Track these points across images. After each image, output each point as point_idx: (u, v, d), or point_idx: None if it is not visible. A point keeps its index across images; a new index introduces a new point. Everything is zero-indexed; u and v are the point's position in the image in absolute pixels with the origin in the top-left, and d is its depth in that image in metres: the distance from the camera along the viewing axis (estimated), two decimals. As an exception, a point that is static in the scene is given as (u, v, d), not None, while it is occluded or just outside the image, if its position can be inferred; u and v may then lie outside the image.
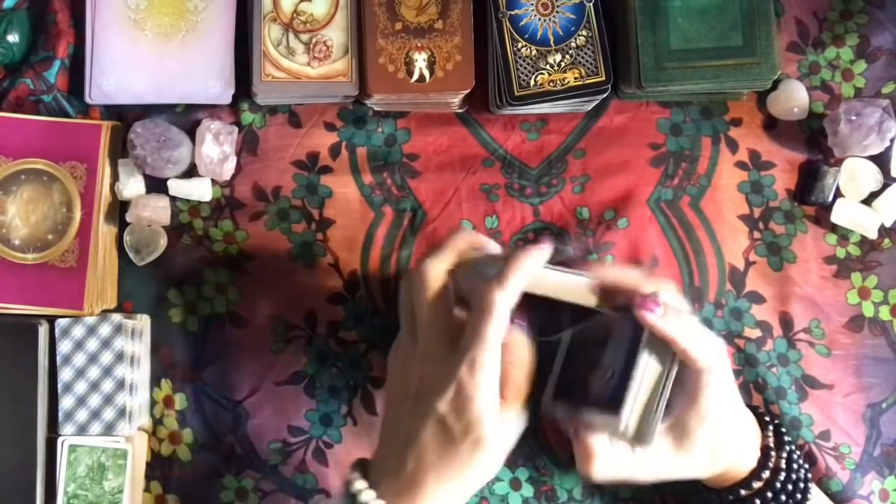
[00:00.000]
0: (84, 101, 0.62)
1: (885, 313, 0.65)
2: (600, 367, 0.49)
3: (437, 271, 0.50)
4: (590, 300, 0.49)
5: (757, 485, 0.54)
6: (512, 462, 0.63)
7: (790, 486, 0.54)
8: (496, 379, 0.48)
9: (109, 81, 0.62)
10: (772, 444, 0.55)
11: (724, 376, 0.50)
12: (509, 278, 0.47)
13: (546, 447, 0.63)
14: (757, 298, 0.64)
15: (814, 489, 0.56)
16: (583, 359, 0.50)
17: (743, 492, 0.54)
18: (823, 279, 0.65)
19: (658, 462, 0.51)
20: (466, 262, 0.50)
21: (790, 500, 0.54)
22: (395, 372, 0.53)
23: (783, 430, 0.57)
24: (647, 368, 0.47)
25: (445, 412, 0.48)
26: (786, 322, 0.64)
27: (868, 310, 0.65)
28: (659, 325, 0.47)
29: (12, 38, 0.64)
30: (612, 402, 0.47)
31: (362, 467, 0.51)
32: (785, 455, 0.55)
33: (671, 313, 0.47)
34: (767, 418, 0.57)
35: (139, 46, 0.62)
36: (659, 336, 0.47)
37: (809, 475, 0.56)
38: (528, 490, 0.63)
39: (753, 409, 0.58)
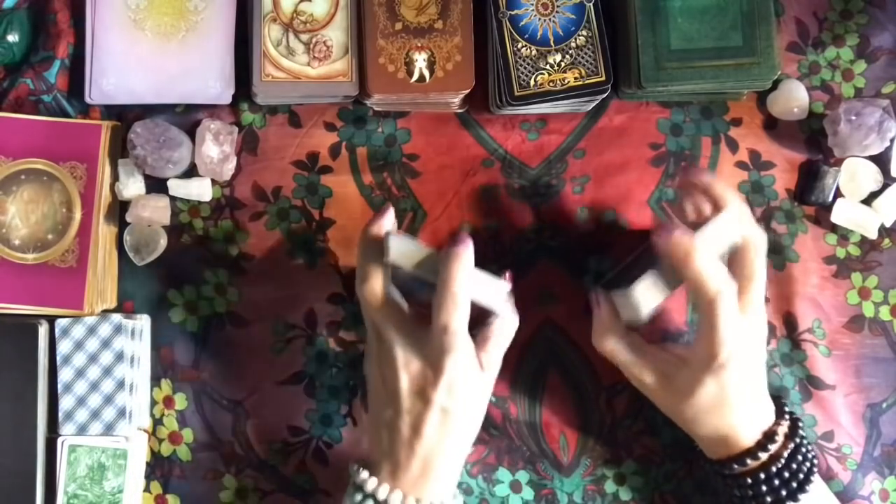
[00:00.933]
0: (84, 101, 0.62)
1: (885, 313, 0.65)
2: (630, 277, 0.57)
3: (374, 288, 0.53)
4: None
5: (752, 462, 0.55)
6: (512, 465, 0.63)
7: (787, 475, 0.55)
8: (473, 352, 0.53)
9: (109, 81, 0.62)
10: (780, 432, 0.55)
11: (732, 328, 0.53)
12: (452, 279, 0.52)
13: (547, 450, 0.63)
14: (758, 298, 0.64)
15: (816, 485, 0.56)
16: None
17: (736, 466, 0.55)
18: (823, 279, 0.65)
19: (661, 358, 0.57)
20: (399, 268, 0.54)
21: (783, 489, 0.54)
22: (374, 376, 0.55)
23: (801, 425, 0.57)
24: (655, 277, 0.55)
25: (444, 401, 0.52)
26: (790, 322, 0.64)
27: (868, 310, 0.65)
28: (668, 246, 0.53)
29: (12, 38, 0.64)
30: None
31: (366, 465, 0.54)
32: (792, 446, 0.55)
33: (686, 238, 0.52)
34: (788, 409, 0.58)
35: (139, 46, 0.62)
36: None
37: (815, 472, 0.56)
38: (528, 493, 0.63)
39: (777, 399, 0.58)
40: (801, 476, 0.55)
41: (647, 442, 0.63)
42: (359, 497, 0.53)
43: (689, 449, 0.60)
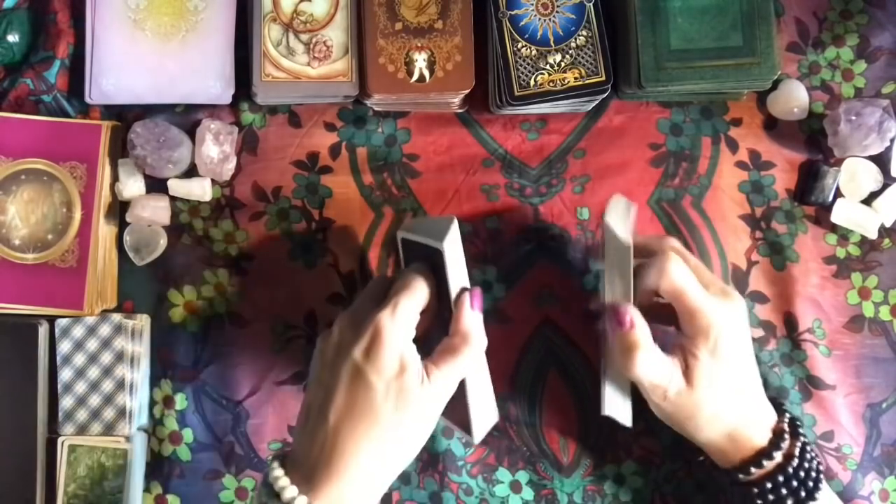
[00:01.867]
0: (84, 101, 0.62)
1: (885, 313, 0.65)
2: None
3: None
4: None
5: (768, 464, 0.54)
6: (512, 465, 0.63)
7: (802, 474, 0.54)
8: (411, 330, 0.50)
9: (109, 81, 0.62)
10: (787, 429, 0.55)
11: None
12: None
13: (547, 450, 0.63)
14: (760, 298, 0.64)
15: (824, 486, 0.56)
16: None
17: (754, 469, 0.54)
18: (824, 279, 0.65)
19: (676, 404, 0.55)
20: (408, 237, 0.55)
21: (801, 489, 0.54)
22: (313, 368, 0.53)
23: (798, 423, 0.57)
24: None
25: (359, 358, 0.48)
26: (790, 322, 0.64)
27: (868, 310, 0.65)
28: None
29: (12, 38, 0.64)
30: None
31: (283, 457, 0.50)
32: (799, 444, 0.55)
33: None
34: (785, 407, 0.58)
35: (139, 46, 0.62)
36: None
37: (822, 469, 0.56)
38: (528, 493, 0.63)
39: (772, 399, 0.58)
40: (814, 474, 0.54)
41: (647, 442, 0.63)
42: (264, 493, 0.49)
43: (689, 450, 0.60)
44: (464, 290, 0.53)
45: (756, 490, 0.54)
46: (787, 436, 0.55)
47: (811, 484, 0.54)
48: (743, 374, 0.56)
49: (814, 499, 0.54)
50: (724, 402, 0.54)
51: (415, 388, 0.49)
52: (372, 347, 0.49)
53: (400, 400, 0.48)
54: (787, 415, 0.57)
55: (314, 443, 0.49)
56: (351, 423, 0.48)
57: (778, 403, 0.58)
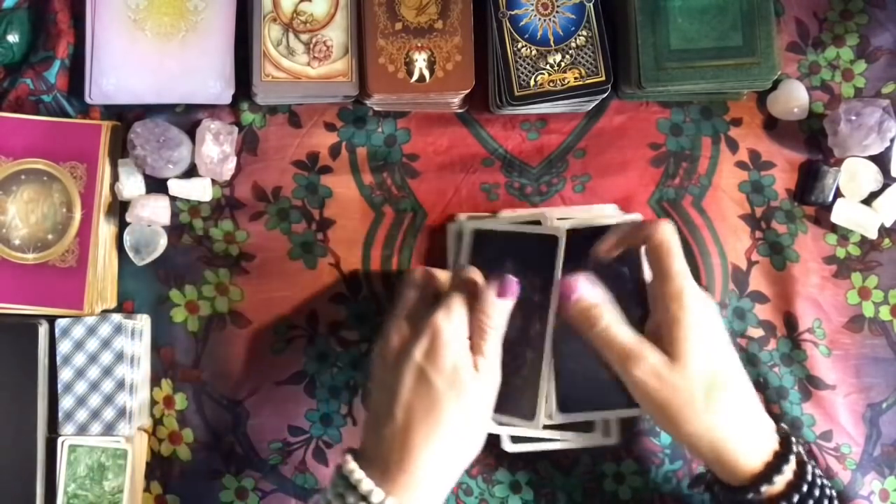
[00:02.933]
0: (84, 101, 0.62)
1: (885, 313, 0.65)
2: None
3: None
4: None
5: (779, 480, 0.51)
6: (512, 465, 0.63)
7: (817, 492, 0.52)
8: (466, 328, 0.52)
9: (109, 81, 0.62)
10: (791, 459, 0.52)
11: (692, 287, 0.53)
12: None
13: (546, 451, 0.63)
14: (760, 298, 0.64)
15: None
16: None
17: (764, 488, 0.51)
18: (824, 279, 0.65)
19: (662, 379, 0.52)
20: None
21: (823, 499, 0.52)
22: (375, 373, 0.55)
23: (793, 439, 0.54)
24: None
25: (421, 360, 0.51)
26: (790, 322, 0.64)
27: (868, 310, 0.65)
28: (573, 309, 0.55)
29: (12, 38, 0.64)
30: None
31: (355, 453, 0.52)
32: (809, 477, 0.52)
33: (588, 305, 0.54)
34: (791, 440, 0.54)
35: (139, 46, 0.62)
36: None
37: (832, 489, 0.54)
38: (528, 493, 0.63)
39: (779, 427, 0.55)
40: (829, 491, 0.52)
41: (647, 442, 0.63)
42: (341, 485, 0.50)
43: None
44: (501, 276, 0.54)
45: None
46: (794, 446, 0.53)
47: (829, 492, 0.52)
48: (731, 356, 0.53)
49: None
50: (718, 370, 0.52)
51: (470, 381, 0.51)
52: (431, 349, 0.51)
53: (461, 397, 0.51)
54: (795, 450, 0.53)
55: (384, 441, 0.51)
56: (418, 422, 0.50)
57: (784, 434, 0.54)
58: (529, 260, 0.57)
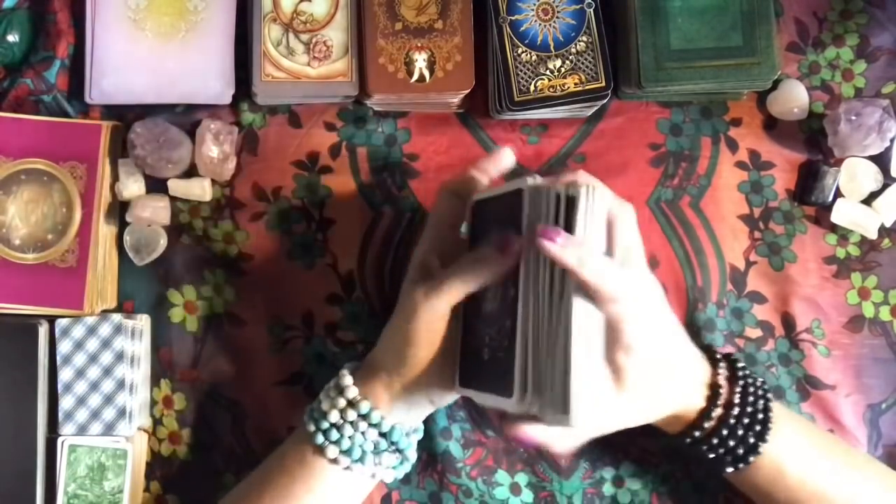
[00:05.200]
0: (84, 101, 0.62)
1: (885, 314, 0.65)
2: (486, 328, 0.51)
3: (446, 196, 0.55)
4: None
5: (709, 424, 0.53)
6: (511, 467, 0.63)
7: (746, 420, 0.53)
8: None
9: (109, 81, 0.62)
10: (722, 381, 0.54)
11: (642, 308, 0.48)
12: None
13: (545, 452, 0.63)
14: (758, 298, 0.64)
15: (779, 416, 0.54)
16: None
17: (696, 433, 0.53)
18: (823, 279, 0.65)
19: (607, 412, 0.50)
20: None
21: (749, 433, 0.53)
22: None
23: (740, 364, 0.55)
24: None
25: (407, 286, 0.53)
26: (788, 322, 0.64)
27: (868, 310, 0.65)
28: (558, 254, 0.45)
29: (12, 38, 0.64)
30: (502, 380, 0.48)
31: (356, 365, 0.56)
32: (739, 389, 0.54)
33: (573, 247, 0.45)
34: (719, 356, 0.56)
35: (139, 46, 0.62)
36: (561, 266, 0.45)
37: (771, 405, 0.54)
38: (527, 495, 0.63)
39: (706, 348, 0.57)
40: (761, 416, 0.53)
41: (645, 443, 0.63)
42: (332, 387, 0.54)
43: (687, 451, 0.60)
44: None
45: (705, 448, 0.54)
46: (722, 389, 0.53)
47: (759, 427, 0.53)
48: (666, 355, 0.52)
49: (764, 440, 0.53)
50: (658, 391, 0.51)
51: (420, 298, 0.51)
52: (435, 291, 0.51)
53: (407, 311, 0.51)
54: (723, 362, 0.55)
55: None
56: (384, 344, 0.54)
57: (712, 352, 0.56)
58: (505, 219, 0.51)
